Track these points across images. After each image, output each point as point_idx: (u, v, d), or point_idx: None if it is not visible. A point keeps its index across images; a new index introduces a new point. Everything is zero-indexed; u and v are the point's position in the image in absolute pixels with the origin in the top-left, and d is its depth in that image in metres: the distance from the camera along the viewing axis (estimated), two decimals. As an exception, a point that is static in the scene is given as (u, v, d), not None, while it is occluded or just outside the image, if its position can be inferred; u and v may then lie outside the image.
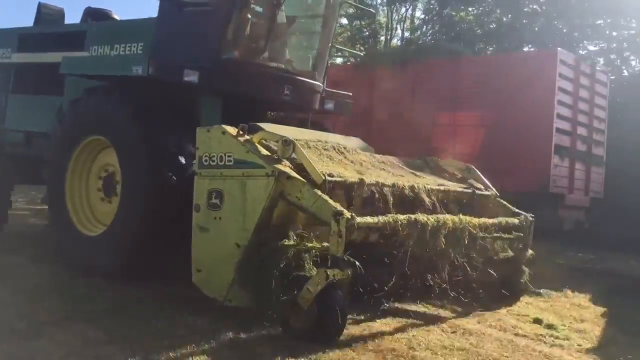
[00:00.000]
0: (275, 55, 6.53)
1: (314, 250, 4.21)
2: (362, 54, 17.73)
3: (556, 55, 10.20)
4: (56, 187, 6.13)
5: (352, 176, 4.78)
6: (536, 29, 19.33)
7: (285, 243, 4.27)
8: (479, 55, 16.67)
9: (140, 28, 6.51)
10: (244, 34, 6.14)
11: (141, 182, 5.35)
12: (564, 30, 19.34)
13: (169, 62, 5.68)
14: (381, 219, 4.41)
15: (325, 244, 4.20)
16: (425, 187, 5.29)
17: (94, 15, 7.54)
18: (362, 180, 4.75)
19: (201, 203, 4.72)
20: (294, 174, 4.43)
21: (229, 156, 4.62)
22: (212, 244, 4.68)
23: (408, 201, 5.07)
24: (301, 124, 6.77)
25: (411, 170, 5.87)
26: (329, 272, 4.05)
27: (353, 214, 4.16)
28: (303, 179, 4.46)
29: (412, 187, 5.13)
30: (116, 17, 7.77)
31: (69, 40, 7.02)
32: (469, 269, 5.16)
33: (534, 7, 20.10)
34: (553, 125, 9.96)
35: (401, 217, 4.53)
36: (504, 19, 20.53)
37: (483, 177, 6.19)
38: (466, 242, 4.99)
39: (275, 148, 4.59)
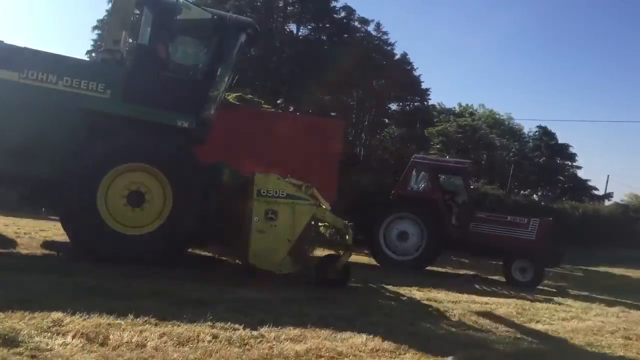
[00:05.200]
0: (214, 112, 9.19)
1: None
2: None
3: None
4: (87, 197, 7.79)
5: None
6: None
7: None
8: None
9: (97, 70, 8.50)
10: (211, 101, 8.88)
11: (194, 195, 8.08)
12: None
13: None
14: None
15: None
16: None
17: None
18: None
19: (260, 216, 7.90)
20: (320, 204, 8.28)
21: (282, 191, 8.00)
22: (267, 239, 7.91)
23: None
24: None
25: None
26: (349, 253, 8.37)
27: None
28: (325, 207, 8.41)
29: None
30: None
31: None
32: None
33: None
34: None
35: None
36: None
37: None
38: None
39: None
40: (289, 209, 7.97)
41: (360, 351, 4.82)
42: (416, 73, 32.95)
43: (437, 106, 42.95)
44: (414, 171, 14.55)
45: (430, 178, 14.33)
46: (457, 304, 8.02)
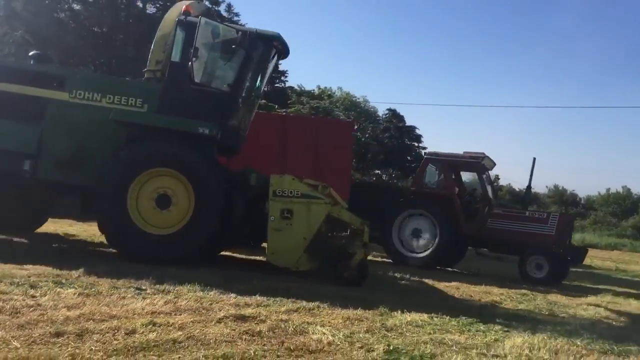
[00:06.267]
0: (246, 123, 10.30)
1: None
2: None
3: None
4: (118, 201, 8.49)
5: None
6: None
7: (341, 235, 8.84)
8: None
9: (135, 87, 9.68)
10: (239, 112, 9.79)
11: (214, 198, 8.58)
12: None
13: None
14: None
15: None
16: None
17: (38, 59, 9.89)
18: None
19: (276, 215, 8.40)
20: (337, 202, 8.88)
21: (297, 191, 8.43)
22: (284, 238, 8.39)
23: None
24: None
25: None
26: (365, 250, 8.53)
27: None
28: (343, 205, 9.01)
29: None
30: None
31: (48, 80, 9.16)
32: None
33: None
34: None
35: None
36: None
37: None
38: None
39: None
40: (304, 208, 8.37)
41: (135, 314, 5.22)
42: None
43: (297, 88, 43.96)
44: (434, 168, 14.33)
45: (444, 174, 14.05)
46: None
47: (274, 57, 10.00)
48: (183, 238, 8.47)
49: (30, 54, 10.25)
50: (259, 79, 10.00)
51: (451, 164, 14.25)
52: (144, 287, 6.39)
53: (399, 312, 6.62)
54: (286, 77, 34.45)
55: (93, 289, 6.00)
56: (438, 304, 7.54)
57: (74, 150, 8.88)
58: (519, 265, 12.84)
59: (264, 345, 4.71)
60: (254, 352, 4.42)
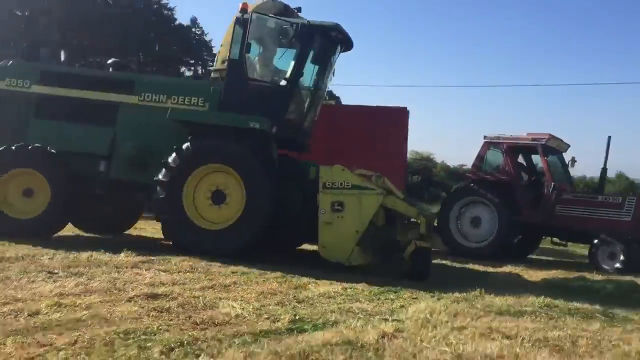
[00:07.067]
0: (309, 117, 10.11)
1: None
2: None
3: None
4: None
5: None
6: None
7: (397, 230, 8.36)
8: None
9: (198, 87, 10.11)
10: (298, 106, 9.77)
11: (264, 194, 8.61)
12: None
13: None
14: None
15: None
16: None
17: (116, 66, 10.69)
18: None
19: (326, 208, 8.12)
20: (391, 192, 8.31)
21: (347, 182, 8.10)
22: (335, 231, 8.11)
23: None
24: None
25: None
26: (417, 243, 7.98)
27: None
28: (398, 195, 8.33)
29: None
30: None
31: (119, 85, 9.83)
32: None
33: None
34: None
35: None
36: None
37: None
38: None
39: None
40: (355, 200, 8.07)
41: (42, 296, 5.22)
42: (207, 38, 33.55)
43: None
44: (498, 151, 13.37)
45: (505, 158, 13.17)
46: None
47: (335, 48, 9.80)
48: (233, 233, 8.65)
49: (109, 61, 10.81)
50: (320, 72, 9.78)
51: (511, 147, 13.31)
52: (56, 271, 6.36)
53: (314, 285, 6.85)
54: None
55: (1, 274, 5.94)
56: (358, 277, 7.65)
57: (143, 150, 9.45)
58: (589, 255, 11.89)
59: (170, 320, 4.81)
60: (157, 327, 4.51)
